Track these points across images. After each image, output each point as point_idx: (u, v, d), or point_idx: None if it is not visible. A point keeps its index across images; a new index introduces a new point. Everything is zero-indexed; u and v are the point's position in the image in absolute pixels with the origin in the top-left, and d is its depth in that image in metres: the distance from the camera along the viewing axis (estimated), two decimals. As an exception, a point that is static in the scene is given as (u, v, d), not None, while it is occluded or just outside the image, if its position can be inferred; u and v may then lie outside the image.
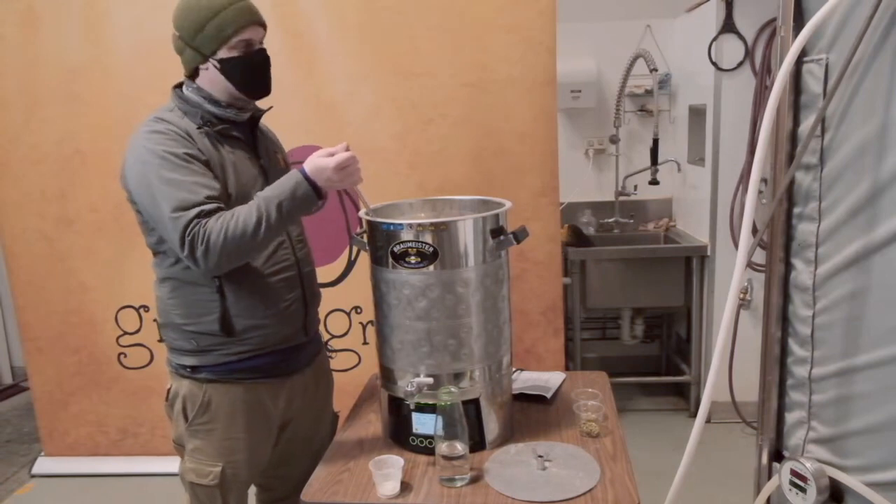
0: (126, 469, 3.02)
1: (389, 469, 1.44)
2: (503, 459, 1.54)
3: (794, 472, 1.26)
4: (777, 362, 1.38)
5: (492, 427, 1.60)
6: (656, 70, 3.18)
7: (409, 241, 1.49)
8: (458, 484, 1.44)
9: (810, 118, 1.24)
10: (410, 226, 1.51)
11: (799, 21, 1.26)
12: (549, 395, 1.84)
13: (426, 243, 1.49)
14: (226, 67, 1.50)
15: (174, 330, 1.57)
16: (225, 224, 1.37)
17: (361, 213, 1.62)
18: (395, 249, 1.51)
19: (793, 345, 1.34)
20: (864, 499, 1.16)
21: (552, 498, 1.37)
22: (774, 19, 1.33)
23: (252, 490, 1.78)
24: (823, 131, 1.21)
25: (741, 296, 3.12)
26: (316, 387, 1.78)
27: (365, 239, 1.62)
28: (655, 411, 3.48)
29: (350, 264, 2.83)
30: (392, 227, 1.52)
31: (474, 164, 2.70)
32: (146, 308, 2.88)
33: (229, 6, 1.47)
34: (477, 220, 1.52)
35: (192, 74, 1.54)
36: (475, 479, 1.46)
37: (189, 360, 1.57)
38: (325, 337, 2.81)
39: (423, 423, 1.56)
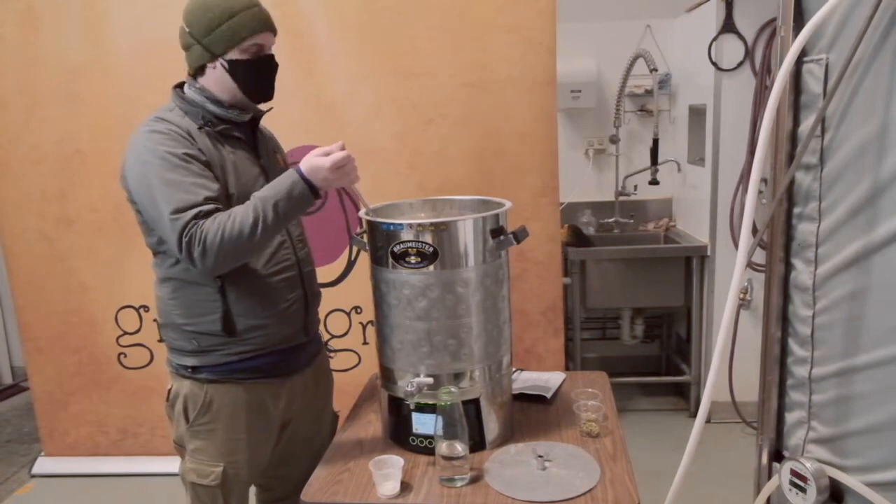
0: (126, 469, 3.02)
1: (389, 469, 1.44)
2: (503, 459, 1.54)
3: (794, 472, 1.26)
4: (777, 362, 1.38)
5: (492, 427, 1.60)
6: (656, 70, 3.18)
7: (409, 241, 1.50)
8: (458, 484, 1.44)
9: (810, 118, 1.24)
10: (410, 226, 1.51)
11: (799, 21, 1.26)
12: (549, 395, 1.84)
13: (426, 243, 1.49)
14: (234, 69, 1.50)
15: (175, 330, 1.57)
16: (221, 225, 1.37)
17: (361, 213, 1.62)
18: (395, 249, 1.51)
19: (793, 345, 1.34)
20: (864, 499, 1.16)
21: (552, 498, 1.37)
22: (774, 19, 1.33)
23: (252, 490, 1.78)
24: (823, 131, 1.21)
25: (741, 296, 3.12)
26: (316, 387, 1.78)
27: (365, 239, 1.62)
28: (655, 411, 3.48)
29: (350, 264, 2.83)
30: (392, 227, 1.52)
31: (474, 164, 2.70)
32: (146, 308, 2.88)
33: (246, 10, 1.48)
34: (477, 220, 1.52)
35: (196, 72, 1.54)
36: (475, 479, 1.46)
37: (190, 361, 1.57)
38: (325, 337, 2.81)
39: (423, 423, 1.56)
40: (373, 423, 1.76)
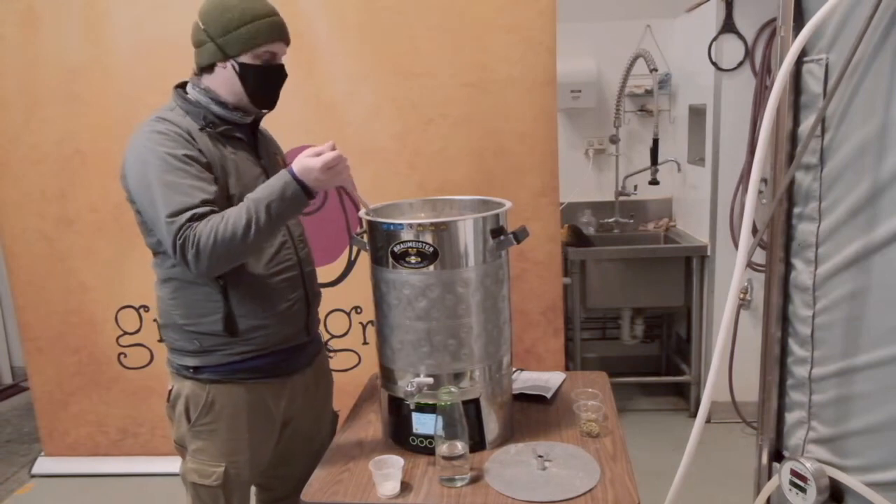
0: (126, 469, 3.02)
1: (389, 469, 1.44)
2: (503, 459, 1.54)
3: (794, 472, 1.26)
4: (777, 362, 1.38)
5: (492, 427, 1.60)
6: (656, 70, 3.18)
7: (409, 241, 1.50)
8: (458, 484, 1.44)
9: (810, 118, 1.24)
10: (410, 226, 1.51)
11: (799, 21, 1.26)
12: (549, 395, 1.84)
13: (426, 243, 1.49)
14: (244, 72, 1.51)
15: (176, 331, 1.57)
16: (214, 227, 1.37)
17: (361, 213, 1.62)
18: (396, 249, 1.51)
19: (793, 345, 1.34)
20: (864, 499, 1.16)
21: (552, 498, 1.37)
22: (774, 19, 1.33)
23: (252, 490, 1.78)
24: (823, 131, 1.21)
25: (741, 296, 3.12)
26: (316, 386, 1.78)
27: (365, 239, 1.62)
28: (655, 411, 3.48)
29: (350, 264, 2.83)
30: (392, 227, 1.52)
31: (474, 164, 2.70)
32: (146, 308, 2.88)
33: (266, 17, 1.50)
34: (477, 220, 1.52)
35: (204, 70, 1.54)
36: (475, 479, 1.46)
37: (191, 361, 1.57)
38: (325, 337, 2.81)
39: (423, 423, 1.56)
40: (373, 423, 1.76)
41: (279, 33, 1.53)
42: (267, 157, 1.66)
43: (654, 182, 3.40)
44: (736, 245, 2.80)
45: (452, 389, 1.47)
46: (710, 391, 1.29)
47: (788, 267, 1.34)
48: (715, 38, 2.98)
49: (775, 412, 1.40)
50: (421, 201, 1.79)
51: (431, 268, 1.50)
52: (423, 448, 1.57)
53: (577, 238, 3.49)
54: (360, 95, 2.69)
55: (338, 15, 2.64)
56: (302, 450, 1.76)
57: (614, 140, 3.55)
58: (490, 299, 1.56)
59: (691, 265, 3.26)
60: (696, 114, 3.27)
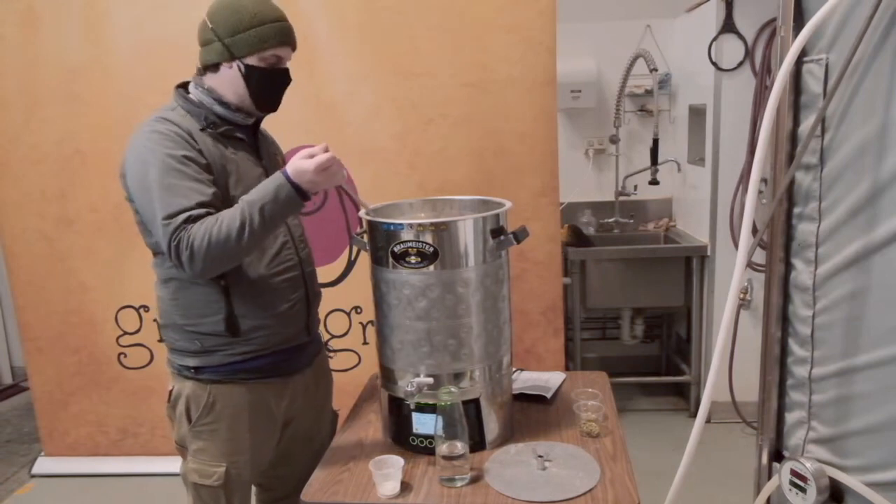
0: (126, 469, 3.02)
1: (389, 469, 1.44)
2: (503, 459, 1.54)
3: (794, 472, 1.26)
4: (777, 362, 1.38)
5: (492, 427, 1.60)
6: (656, 70, 3.18)
7: (409, 241, 1.50)
8: (458, 484, 1.44)
9: (810, 118, 1.24)
10: (411, 226, 1.51)
11: (799, 21, 1.26)
12: (549, 395, 1.84)
13: (426, 243, 1.49)
14: (250, 74, 1.51)
15: (177, 331, 1.57)
16: (208, 229, 1.37)
17: (361, 213, 1.62)
18: (396, 249, 1.51)
19: (793, 345, 1.34)
20: (864, 499, 1.16)
21: (552, 498, 1.37)
22: (774, 19, 1.33)
23: (252, 490, 1.78)
24: (823, 131, 1.21)
25: (741, 296, 3.12)
26: (316, 386, 1.78)
27: (365, 239, 1.62)
28: (655, 411, 3.48)
29: (350, 264, 2.83)
30: (392, 227, 1.52)
31: (474, 164, 2.70)
32: (146, 308, 2.88)
33: (275, 22, 1.51)
34: (477, 220, 1.52)
35: (208, 69, 1.54)
36: (475, 479, 1.46)
37: (192, 361, 1.57)
38: (325, 337, 2.81)
39: (423, 423, 1.56)
40: (373, 423, 1.76)
41: (287, 38, 1.54)
42: (267, 157, 1.66)
43: (654, 182, 3.40)
44: (736, 245, 2.80)
45: (452, 389, 1.47)
46: (710, 391, 1.29)
47: (788, 267, 1.34)
48: (715, 38, 2.98)
49: (775, 412, 1.40)
50: (421, 201, 1.79)
51: (431, 268, 1.50)
52: (423, 448, 1.57)
53: (577, 238, 3.49)
54: (360, 95, 2.69)
55: (338, 15, 2.64)
56: (302, 450, 1.76)
57: (614, 140, 3.55)
58: (490, 299, 1.56)
59: (691, 265, 3.26)
60: (696, 114, 3.27)
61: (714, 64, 2.99)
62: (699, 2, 3.17)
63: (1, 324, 4.25)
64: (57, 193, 2.82)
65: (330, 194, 2.77)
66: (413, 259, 1.50)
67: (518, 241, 1.55)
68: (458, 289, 1.51)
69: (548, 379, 1.96)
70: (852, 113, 1.14)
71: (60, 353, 2.96)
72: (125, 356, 2.95)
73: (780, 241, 1.34)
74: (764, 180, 1.28)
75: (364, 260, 1.68)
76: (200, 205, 1.40)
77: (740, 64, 2.97)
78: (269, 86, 1.55)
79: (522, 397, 1.83)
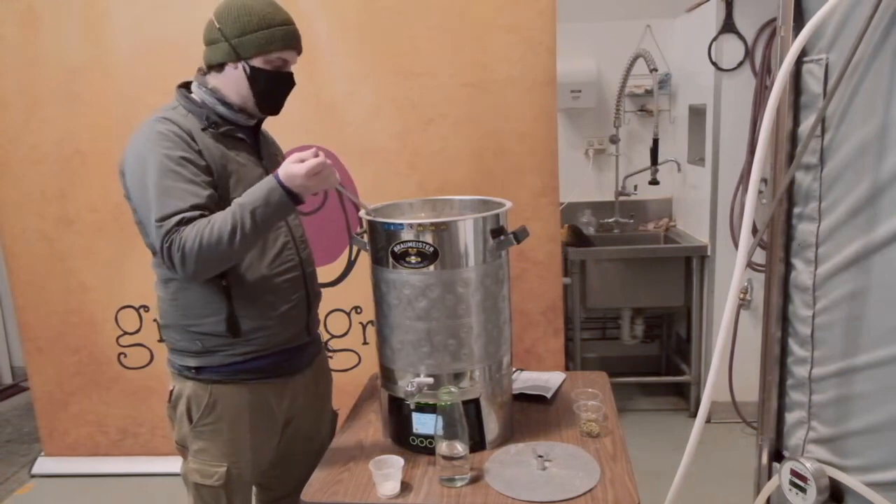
0: (126, 469, 3.02)
1: (389, 469, 1.44)
2: (503, 459, 1.54)
3: (794, 472, 1.26)
4: (777, 362, 1.38)
5: (492, 427, 1.60)
6: (656, 70, 3.18)
7: (409, 241, 1.50)
8: (458, 484, 1.44)
9: (810, 118, 1.24)
10: (411, 226, 1.51)
11: (799, 21, 1.26)
12: (549, 395, 1.84)
13: (426, 243, 1.49)
14: (255, 75, 1.51)
15: (178, 331, 1.58)
16: (200, 232, 1.37)
17: (362, 213, 1.62)
18: (396, 249, 1.51)
19: (793, 345, 1.34)
20: (864, 499, 1.16)
21: (552, 498, 1.37)
22: (774, 19, 1.33)
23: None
24: (823, 131, 1.21)
25: (741, 296, 3.12)
26: (316, 386, 1.78)
27: (365, 239, 1.62)
28: (655, 411, 3.48)
29: (350, 264, 2.83)
30: (392, 227, 1.52)
31: (474, 164, 2.70)
32: (146, 308, 2.88)
33: (282, 25, 1.51)
34: (477, 220, 1.52)
35: (213, 68, 1.54)
36: (475, 479, 1.46)
37: (193, 362, 1.57)
38: (325, 337, 2.81)
39: (423, 423, 1.56)
40: (373, 423, 1.76)
41: (293, 42, 1.55)
42: (268, 158, 1.66)
43: (654, 182, 3.40)
44: (736, 245, 2.80)
45: (452, 389, 1.47)
46: (710, 391, 1.29)
47: (788, 267, 1.34)
48: (715, 38, 2.98)
49: (775, 412, 1.40)
50: (421, 201, 1.79)
51: (431, 268, 1.50)
52: (423, 448, 1.57)
53: (577, 238, 3.49)
54: (360, 95, 2.69)
55: (338, 15, 2.64)
56: (302, 449, 1.76)
57: (614, 140, 3.55)
58: (490, 299, 1.56)
59: (691, 265, 3.26)
60: (696, 114, 3.27)
61: (714, 64, 2.99)
62: (699, 2, 3.17)
63: (1, 324, 4.25)
64: (57, 193, 2.82)
65: (330, 194, 2.77)
66: (413, 259, 1.50)
67: (518, 241, 1.55)
68: (458, 289, 1.51)
69: (548, 379, 1.96)
70: (852, 113, 1.14)
71: (60, 353, 2.96)
72: (125, 356, 2.95)
73: (780, 241, 1.34)
74: (764, 180, 1.28)
75: (364, 260, 1.68)
76: (195, 207, 1.41)
77: (740, 64, 2.97)
78: (273, 88, 1.56)
79: (522, 397, 1.83)
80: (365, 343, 2.88)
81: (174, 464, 1.69)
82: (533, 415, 1.77)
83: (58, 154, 2.79)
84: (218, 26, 1.50)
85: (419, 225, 1.51)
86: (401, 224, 1.52)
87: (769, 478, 1.39)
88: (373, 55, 2.66)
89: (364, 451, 1.61)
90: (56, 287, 2.90)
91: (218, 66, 1.53)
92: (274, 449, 1.69)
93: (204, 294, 1.52)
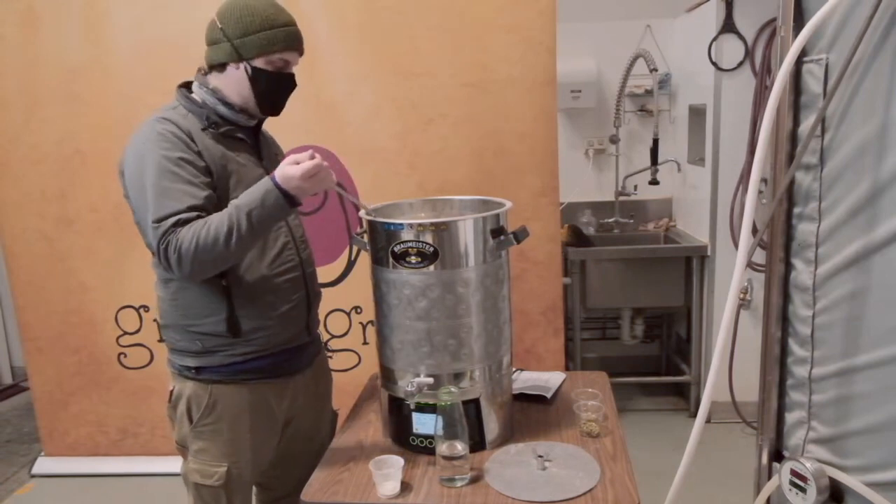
0: (126, 469, 3.02)
1: (389, 469, 1.44)
2: (503, 459, 1.54)
3: (794, 472, 1.26)
4: (777, 362, 1.38)
5: (492, 427, 1.60)
6: (656, 70, 3.18)
7: (409, 241, 1.50)
8: (458, 484, 1.44)
9: (810, 118, 1.24)
10: (411, 226, 1.51)
11: (799, 21, 1.26)
12: (549, 395, 1.84)
13: (426, 243, 1.49)
14: (256, 76, 1.51)
15: (178, 331, 1.57)
16: (196, 233, 1.37)
17: (362, 213, 1.62)
18: (396, 249, 1.51)
19: (793, 345, 1.34)
20: (864, 499, 1.16)
21: (552, 498, 1.37)
22: (774, 19, 1.33)
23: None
24: (823, 131, 1.21)
25: (741, 296, 3.12)
26: (316, 386, 1.78)
27: (365, 239, 1.62)
28: (655, 411, 3.48)
29: (350, 264, 2.83)
30: (392, 227, 1.52)
31: (474, 164, 2.70)
32: (146, 308, 2.88)
33: (284, 26, 1.51)
34: (477, 220, 1.52)
35: (214, 68, 1.54)
36: (475, 479, 1.46)
37: (193, 362, 1.57)
38: (325, 337, 2.81)
39: (423, 423, 1.56)
40: (373, 423, 1.76)
41: (295, 43, 1.55)
42: (268, 158, 1.66)
43: (654, 182, 3.40)
44: (736, 245, 2.80)
45: (452, 389, 1.47)
46: (710, 391, 1.29)
47: (788, 267, 1.34)
48: (715, 38, 2.98)
49: (775, 412, 1.40)
50: (421, 201, 1.79)
51: (431, 268, 1.50)
52: (423, 448, 1.57)
53: (577, 238, 3.49)
54: (360, 95, 2.69)
55: (338, 15, 2.64)
56: (302, 449, 1.76)
57: (614, 140, 3.55)
58: (490, 299, 1.56)
59: (691, 265, 3.26)
60: (696, 114, 3.27)
61: (714, 64, 2.99)
62: (699, 2, 3.17)
63: (1, 324, 4.25)
64: (57, 193, 2.82)
65: (330, 195, 2.77)
66: (413, 259, 1.50)
67: (518, 241, 1.55)
68: (458, 289, 1.51)
69: (548, 379, 1.96)
70: (852, 113, 1.14)
71: (60, 353, 2.96)
72: (125, 356, 2.95)
73: (780, 241, 1.34)
74: (764, 180, 1.28)
75: (364, 260, 1.68)
76: (192, 208, 1.41)
77: (740, 64, 2.97)
78: (274, 89, 1.56)
79: (522, 397, 1.83)
80: (365, 343, 2.88)
81: (174, 464, 1.69)
82: (533, 415, 1.77)
83: (58, 154, 2.79)
84: (220, 26, 1.50)
85: (419, 225, 1.51)
86: (401, 224, 1.52)
87: (769, 478, 1.39)
88: (373, 55, 2.66)
89: (364, 451, 1.61)
90: (56, 287, 2.90)
91: (219, 67, 1.53)
92: (274, 449, 1.69)
93: (204, 294, 1.52)
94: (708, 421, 2.54)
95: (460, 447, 1.44)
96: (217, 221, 1.39)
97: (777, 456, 1.40)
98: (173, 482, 1.74)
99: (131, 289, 2.87)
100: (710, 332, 3.22)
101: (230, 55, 1.51)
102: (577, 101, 3.50)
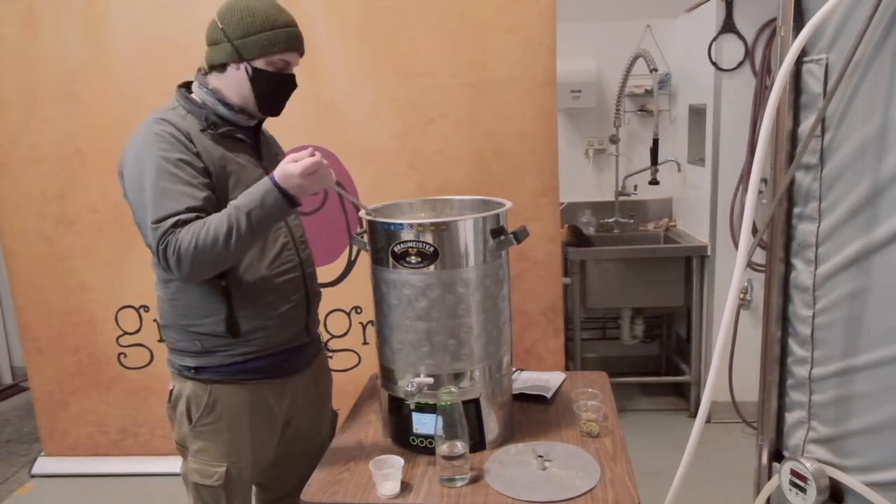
0: (126, 469, 3.02)
1: (389, 469, 1.44)
2: (503, 459, 1.54)
3: (794, 472, 1.26)
4: (777, 362, 1.38)
5: (492, 427, 1.60)
6: (656, 70, 3.18)
7: (409, 241, 1.50)
8: (458, 484, 1.44)
9: (810, 118, 1.24)
10: (411, 226, 1.51)
11: (799, 21, 1.26)
12: (549, 395, 1.84)
13: (426, 243, 1.49)
14: (257, 76, 1.51)
15: (177, 331, 1.58)
16: (196, 234, 1.37)
17: (362, 213, 1.62)
18: (396, 249, 1.51)
19: (793, 345, 1.34)
20: (864, 499, 1.16)
21: (552, 498, 1.37)
22: (774, 19, 1.33)
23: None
24: (823, 131, 1.21)
25: (741, 296, 3.12)
26: (316, 386, 1.78)
27: (365, 239, 1.62)
28: (655, 411, 3.48)
29: (350, 264, 2.83)
30: (392, 227, 1.52)
31: (474, 164, 2.70)
32: (146, 308, 2.88)
33: (285, 27, 1.51)
34: (477, 220, 1.52)
35: (215, 68, 1.54)
36: (475, 479, 1.46)
37: (192, 362, 1.57)
38: (325, 337, 2.81)
39: (424, 423, 1.56)
40: (373, 423, 1.76)
41: (296, 44, 1.55)
42: (268, 158, 1.66)
43: (654, 182, 3.40)
44: (736, 245, 2.80)
45: (452, 389, 1.47)
46: (710, 391, 1.29)
47: (788, 267, 1.34)
48: (715, 38, 2.98)
49: (775, 412, 1.40)
50: (421, 201, 1.79)
51: (431, 268, 1.50)
52: (423, 448, 1.57)
53: (577, 238, 3.49)
54: (360, 95, 2.69)
55: (338, 15, 2.64)
56: (302, 449, 1.76)
57: (614, 140, 3.55)
58: (490, 299, 1.56)
59: (691, 265, 3.26)
60: (696, 114, 3.27)
61: (714, 64, 2.99)
62: (699, 2, 3.17)
63: (1, 324, 4.25)
64: (57, 193, 2.82)
65: (330, 195, 2.77)
66: (413, 259, 1.50)
67: (518, 241, 1.55)
68: (458, 289, 1.51)
69: (548, 379, 1.96)
70: (852, 113, 1.14)
71: (60, 353, 2.96)
72: (125, 356, 2.95)
73: (780, 241, 1.34)
74: (764, 180, 1.28)
75: (364, 260, 1.68)
76: (191, 209, 1.41)
77: (740, 64, 2.97)
78: (274, 90, 1.56)
79: (522, 397, 1.83)
80: (365, 343, 2.88)
81: (174, 464, 1.69)
82: (533, 415, 1.77)
83: (58, 154, 2.79)
84: (221, 27, 1.50)
85: (419, 225, 1.51)
86: (401, 224, 1.52)
87: (769, 478, 1.39)
88: (373, 55, 2.66)
89: (364, 451, 1.61)
90: (56, 287, 2.90)
91: (220, 67, 1.53)
92: (274, 449, 1.69)
93: (203, 294, 1.52)
94: (708, 421, 2.54)
95: (460, 447, 1.44)
96: (216, 222, 1.39)
97: (777, 456, 1.40)
98: (173, 482, 1.74)
99: (131, 289, 2.87)
100: (710, 332, 3.22)
101: (231, 56, 1.51)
102: (577, 101, 3.50)
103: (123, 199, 1.53)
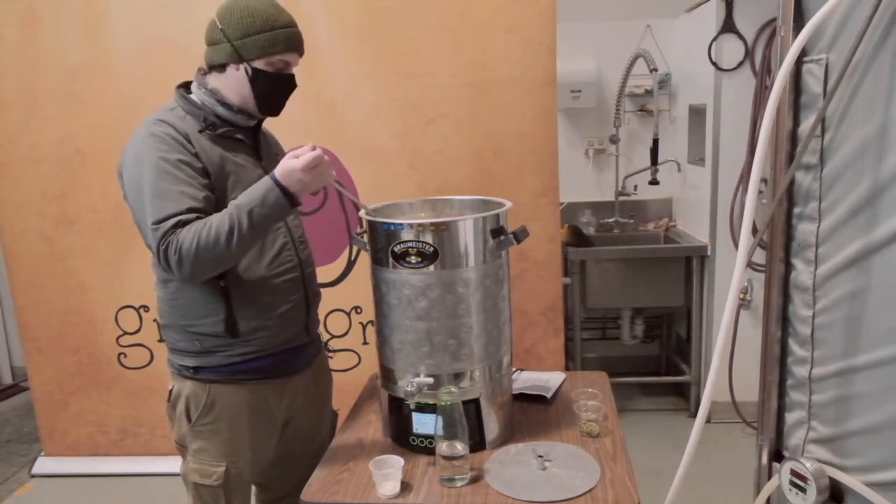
0: (126, 469, 3.02)
1: (389, 469, 1.44)
2: (503, 459, 1.54)
3: (794, 472, 1.26)
4: (777, 362, 1.38)
5: (492, 427, 1.60)
6: (656, 70, 3.18)
7: (409, 241, 1.50)
8: (458, 484, 1.44)
9: (810, 118, 1.24)
10: (411, 226, 1.51)
11: (799, 21, 1.26)
12: (549, 395, 1.84)
13: (426, 243, 1.49)
14: (256, 76, 1.51)
15: (177, 331, 1.58)
16: (197, 234, 1.37)
17: (362, 212, 1.62)
18: (396, 249, 1.51)
19: (793, 345, 1.34)
20: (864, 499, 1.16)
21: (552, 498, 1.37)
22: (774, 19, 1.33)
23: (251, 490, 1.78)
24: (823, 131, 1.21)
25: (741, 296, 3.12)
26: (316, 386, 1.78)
27: (365, 239, 1.62)
28: (655, 411, 3.48)
29: (350, 264, 2.83)
30: (392, 227, 1.52)
31: (474, 164, 2.70)
32: (146, 308, 2.88)
33: (285, 28, 1.51)
34: (477, 220, 1.52)
35: (214, 69, 1.54)
36: (475, 479, 1.46)
37: (192, 362, 1.57)
38: (325, 337, 2.81)
39: (423, 423, 1.56)
40: (373, 423, 1.76)
41: (296, 44, 1.55)
42: (268, 158, 1.66)
43: (654, 182, 3.40)
44: (736, 245, 2.80)
45: (452, 389, 1.47)
46: (710, 391, 1.29)
47: (788, 267, 1.34)
48: (715, 38, 2.98)
49: (775, 412, 1.40)
50: (421, 201, 1.79)
51: (431, 268, 1.50)
52: (423, 448, 1.57)
53: (577, 238, 3.49)
54: (360, 95, 2.69)
55: (338, 15, 2.64)
56: (302, 449, 1.76)
57: (614, 140, 3.55)
58: (490, 299, 1.56)
59: (691, 265, 3.26)
60: (696, 114, 3.27)
61: (714, 64, 2.99)
62: (699, 2, 3.17)
63: (1, 324, 4.25)
64: (57, 193, 2.82)
65: (330, 194, 2.77)
66: (413, 259, 1.50)
67: (518, 241, 1.55)
68: (458, 289, 1.51)
69: (548, 379, 1.96)
70: (852, 113, 1.14)
71: (60, 353, 2.96)
72: (125, 356, 2.95)
73: (780, 241, 1.34)
74: (764, 180, 1.28)
75: (364, 260, 1.68)
76: (191, 210, 1.41)
77: (740, 64, 2.97)
78: (274, 90, 1.56)
79: (522, 397, 1.83)
80: (365, 343, 2.88)
81: (174, 464, 1.69)
82: (533, 415, 1.77)
83: (58, 154, 2.79)
84: (220, 27, 1.50)
85: (419, 225, 1.51)
86: (401, 224, 1.52)
87: (769, 478, 1.39)
88: (373, 55, 2.66)
89: (364, 451, 1.61)
90: (56, 287, 2.90)
91: (219, 67, 1.53)
92: (273, 449, 1.69)
93: (203, 294, 1.52)
94: (708, 421, 2.54)
95: (460, 447, 1.44)
96: (218, 221, 1.39)
97: (777, 456, 1.40)
98: (173, 482, 1.74)
99: (131, 289, 2.87)
100: (710, 332, 3.22)
101: (230, 56, 1.50)
102: (577, 101, 3.50)
103: (123, 199, 1.54)
